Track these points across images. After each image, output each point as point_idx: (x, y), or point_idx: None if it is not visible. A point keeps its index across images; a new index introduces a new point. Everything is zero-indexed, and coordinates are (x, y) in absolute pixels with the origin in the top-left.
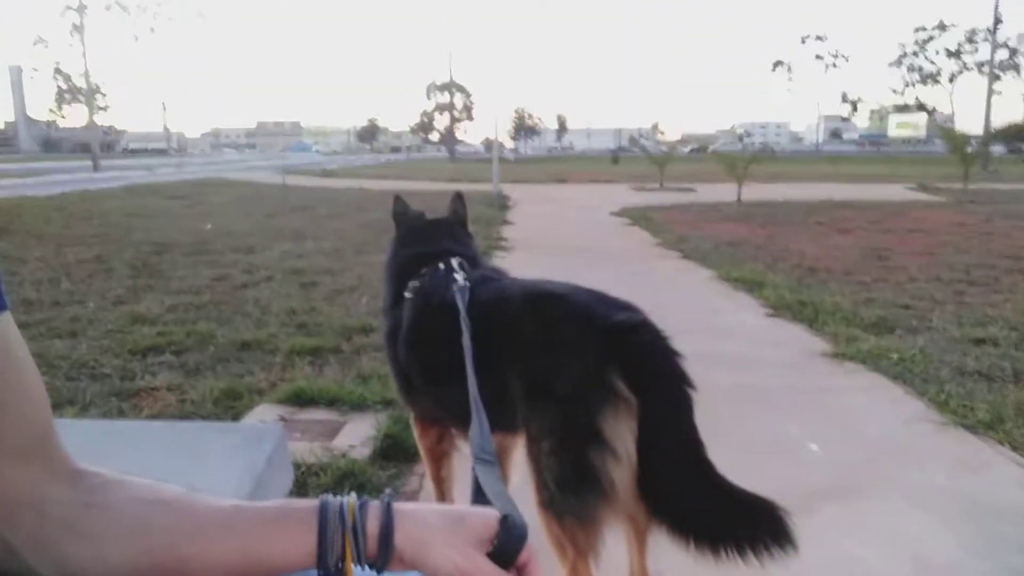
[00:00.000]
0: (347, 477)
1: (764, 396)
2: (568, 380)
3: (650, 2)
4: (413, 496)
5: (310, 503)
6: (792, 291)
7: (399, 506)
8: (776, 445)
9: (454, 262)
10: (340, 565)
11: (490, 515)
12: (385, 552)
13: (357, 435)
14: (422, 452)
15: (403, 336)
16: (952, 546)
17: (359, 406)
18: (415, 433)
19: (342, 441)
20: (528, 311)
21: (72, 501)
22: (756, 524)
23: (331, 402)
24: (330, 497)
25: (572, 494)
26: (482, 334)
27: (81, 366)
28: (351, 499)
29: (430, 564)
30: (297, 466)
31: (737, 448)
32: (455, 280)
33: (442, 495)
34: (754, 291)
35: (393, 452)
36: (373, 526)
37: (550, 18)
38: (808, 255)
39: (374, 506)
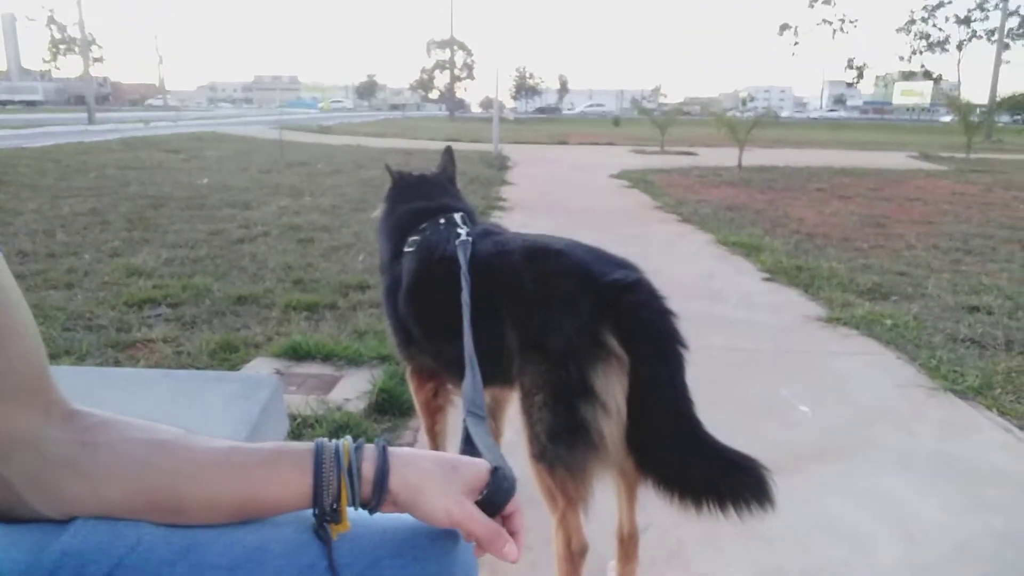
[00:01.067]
0: (342, 429)
1: (758, 359)
2: (561, 335)
3: None
4: None
5: (306, 446)
6: (789, 256)
7: (394, 450)
8: (768, 407)
9: (457, 217)
10: (335, 506)
11: (481, 465)
12: (380, 494)
13: (352, 389)
14: (418, 406)
15: (404, 290)
16: (936, 507)
17: (355, 361)
18: (411, 387)
19: (337, 395)
20: (526, 265)
21: (69, 440)
22: (738, 480)
23: (327, 357)
24: (326, 440)
25: (563, 446)
26: (481, 287)
27: (77, 317)
28: (347, 442)
29: (422, 508)
30: (292, 418)
31: (730, 410)
32: (458, 234)
33: (436, 448)
34: (751, 256)
35: (388, 406)
36: (368, 469)
37: None
38: (807, 221)
39: (369, 449)
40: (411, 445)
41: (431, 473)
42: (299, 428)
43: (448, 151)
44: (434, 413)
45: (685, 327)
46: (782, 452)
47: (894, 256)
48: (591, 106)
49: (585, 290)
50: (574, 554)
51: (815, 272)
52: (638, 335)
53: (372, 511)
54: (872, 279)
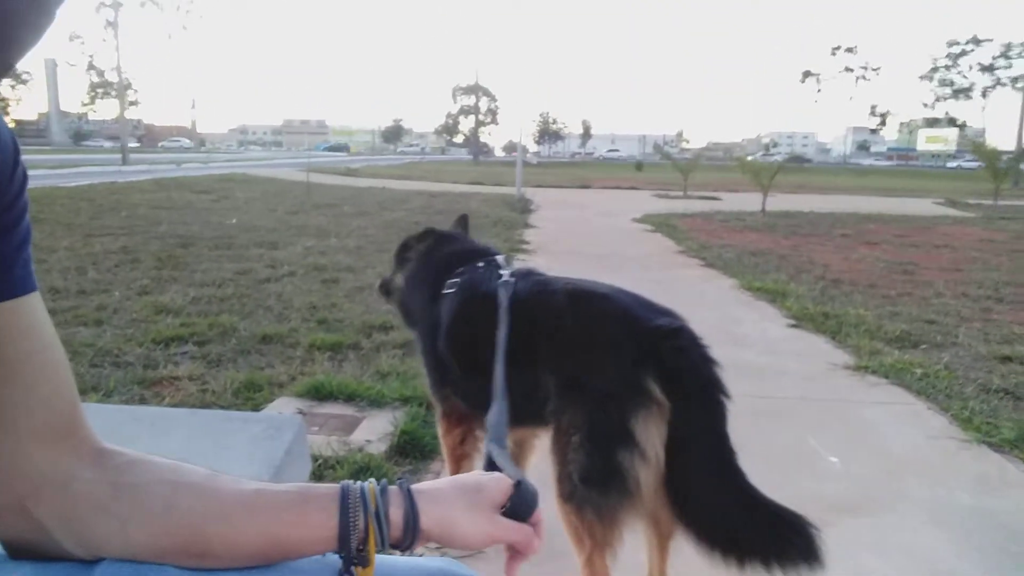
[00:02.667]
0: (363, 471)
1: (784, 408)
2: (604, 378)
3: (679, 10)
4: None
5: (331, 488)
6: (815, 302)
7: (417, 487)
8: (796, 457)
9: (499, 259)
10: (362, 548)
11: (503, 480)
12: (413, 536)
13: (374, 431)
14: (445, 451)
15: (444, 328)
16: (974, 566)
17: (377, 402)
18: (440, 431)
19: (359, 436)
20: (570, 306)
21: (100, 480)
22: (785, 537)
23: (349, 397)
24: (351, 483)
25: (596, 489)
26: (522, 326)
27: (105, 354)
28: (372, 484)
29: (459, 538)
30: (314, 459)
31: (757, 460)
32: (499, 275)
33: None
34: (776, 301)
35: (410, 448)
36: (395, 512)
37: (577, 24)
38: (832, 267)
39: (394, 491)
40: None
41: (459, 504)
42: (320, 469)
43: (464, 219)
44: (460, 460)
45: None
46: (811, 504)
47: (923, 304)
48: (611, 151)
49: (629, 335)
50: None
51: (842, 319)
52: (680, 382)
53: (405, 551)
54: (901, 327)
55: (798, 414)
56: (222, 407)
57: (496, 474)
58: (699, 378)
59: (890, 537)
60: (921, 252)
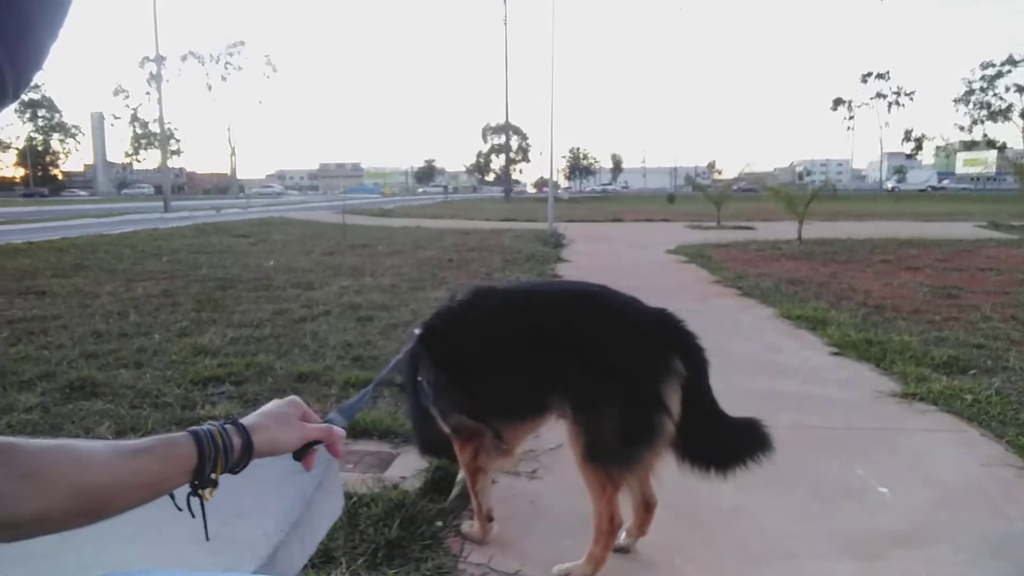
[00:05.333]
0: (398, 508)
1: (830, 437)
2: (635, 359)
3: (708, 39)
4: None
5: (184, 433)
6: (857, 329)
7: (248, 422)
8: (844, 489)
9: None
10: (212, 475)
11: (295, 402)
12: (248, 458)
13: (409, 467)
14: (463, 467)
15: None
16: None
17: (411, 438)
18: (456, 450)
19: (394, 473)
20: (577, 304)
21: (10, 475)
22: (752, 441)
23: (384, 434)
24: (200, 428)
25: (632, 446)
26: (523, 327)
27: (144, 395)
28: (215, 426)
29: (282, 447)
30: (348, 496)
31: (802, 492)
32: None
33: (480, 505)
34: (817, 329)
35: (444, 485)
36: (236, 442)
37: (606, 58)
38: (874, 293)
39: (231, 428)
40: (467, 526)
41: (274, 426)
42: (355, 507)
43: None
44: (475, 473)
45: (751, 404)
46: (861, 536)
47: (970, 328)
48: (623, 187)
49: (646, 321)
50: (615, 527)
51: (886, 345)
52: (691, 355)
53: (238, 471)
54: (948, 352)
55: (844, 444)
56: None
57: (291, 398)
58: (697, 350)
59: (945, 571)
60: (965, 276)
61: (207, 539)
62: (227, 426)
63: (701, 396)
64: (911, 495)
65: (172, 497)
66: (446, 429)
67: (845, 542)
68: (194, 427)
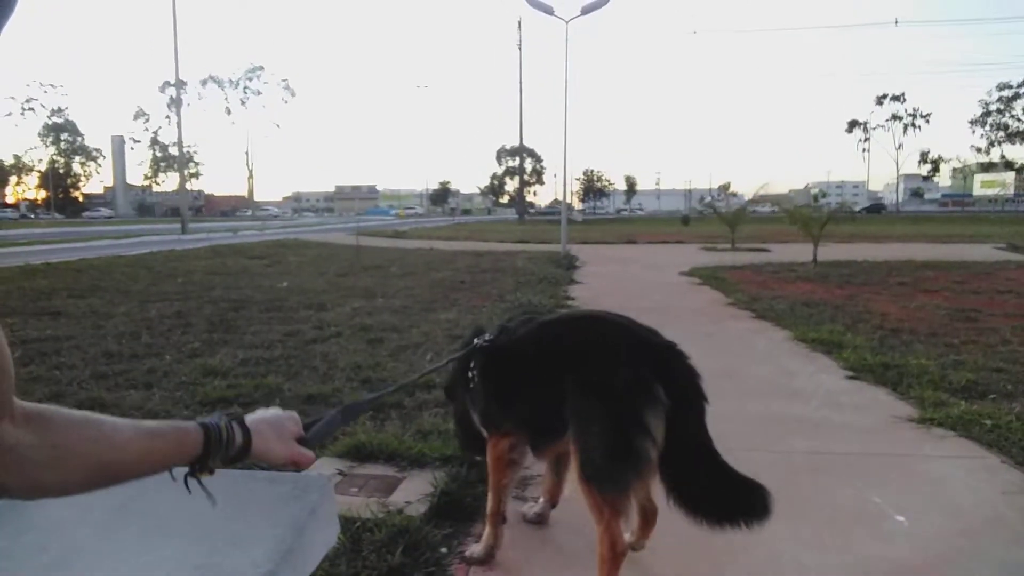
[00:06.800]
0: (401, 534)
1: (845, 463)
2: (621, 381)
3: (722, 62)
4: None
5: (192, 424)
6: (874, 353)
7: (248, 422)
8: (860, 517)
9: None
10: (210, 465)
11: (293, 418)
12: (244, 456)
13: (414, 491)
14: (491, 461)
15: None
16: None
17: (418, 461)
18: (489, 445)
19: (399, 497)
20: (585, 327)
21: (41, 444)
22: (748, 500)
23: (390, 457)
24: (209, 421)
25: (617, 465)
26: (547, 349)
27: (152, 416)
28: (223, 422)
29: (272, 457)
30: (352, 521)
31: (817, 520)
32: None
33: (497, 504)
34: (833, 352)
35: (449, 510)
36: (238, 442)
37: (620, 81)
38: (890, 316)
39: (236, 427)
40: (472, 550)
41: (273, 436)
42: (359, 532)
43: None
44: (506, 467)
45: (765, 428)
46: (878, 567)
47: (989, 352)
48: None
49: (638, 348)
50: (618, 555)
51: (903, 369)
52: (676, 386)
53: (233, 465)
54: (966, 376)
55: (860, 470)
56: (262, 467)
57: (292, 414)
58: (691, 385)
59: None
60: (984, 298)
61: (213, 504)
62: (234, 425)
63: (687, 431)
64: (929, 524)
65: (170, 472)
66: (484, 432)
67: (862, 573)
68: (205, 419)
